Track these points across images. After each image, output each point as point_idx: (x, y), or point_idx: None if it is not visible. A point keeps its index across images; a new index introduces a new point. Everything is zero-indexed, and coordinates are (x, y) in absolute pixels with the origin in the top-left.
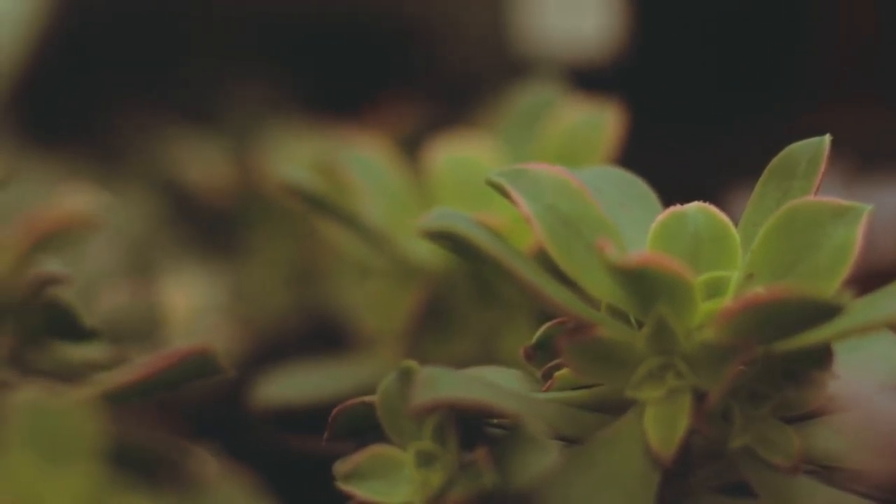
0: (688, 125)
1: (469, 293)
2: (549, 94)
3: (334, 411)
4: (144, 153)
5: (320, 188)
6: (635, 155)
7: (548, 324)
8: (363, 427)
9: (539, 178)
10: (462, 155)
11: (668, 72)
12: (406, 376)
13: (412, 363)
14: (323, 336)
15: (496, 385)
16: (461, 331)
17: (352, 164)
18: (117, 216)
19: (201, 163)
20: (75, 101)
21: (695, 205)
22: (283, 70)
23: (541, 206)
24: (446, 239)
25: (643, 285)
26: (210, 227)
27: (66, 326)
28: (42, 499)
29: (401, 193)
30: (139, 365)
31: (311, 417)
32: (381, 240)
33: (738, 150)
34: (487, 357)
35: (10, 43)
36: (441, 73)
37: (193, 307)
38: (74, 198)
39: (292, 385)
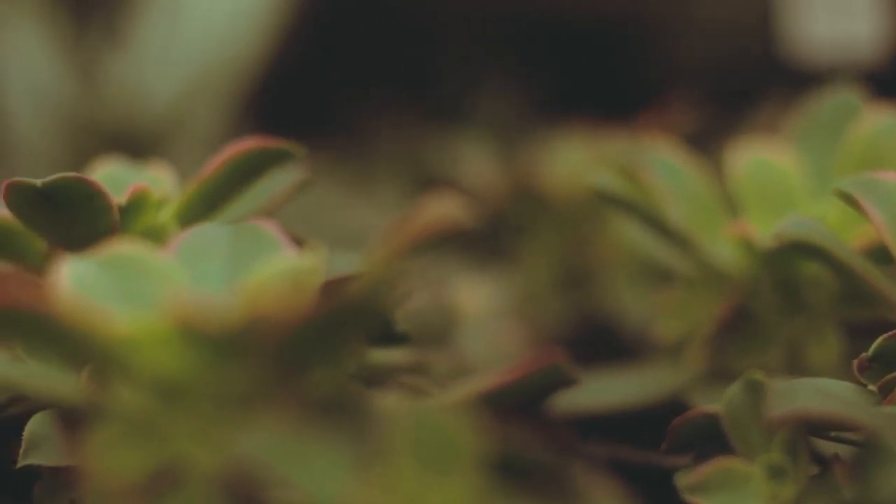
0: None
1: (774, 301)
2: (850, 100)
3: (674, 422)
4: (399, 153)
5: (628, 192)
6: None
7: (884, 336)
8: (703, 438)
9: (891, 189)
10: (764, 159)
11: None
12: (754, 388)
13: (759, 375)
14: (601, 340)
15: (844, 398)
16: (766, 339)
17: (654, 167)
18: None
19: (472, 164)
20: (320, 99)
21: None
22: (529, 69)
23: (892, 216)
24: (802, 247)
25: None
26: (482, 229)
27: (382, 331)
28: None
29: (703, 197)
30: (494, 374)
31: (613, 424)
32: (685, 244)
33: None
34: (792, 367)
35: (253, 38)
36: (701, 75)
37: (480, 310)
38: (438, 203)
39: (590, 391)
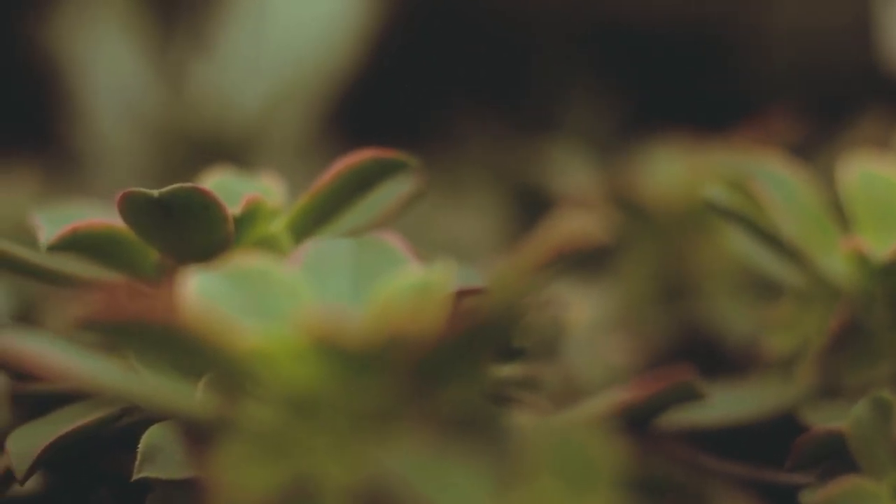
0: None
1: (887, 316)
2: None
3: (799, 440)
4: (489, 161)
5: (740, 204)
6: None
7: None
8: (827, 456)
9: None
10: (876, 172)
11: None
12: (881, 406)
13: (885, 393)
14: (703, 353)
15: None
16: (877, 355)
17: (764, 179)
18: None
19: (569, 174)
20: (409, 107)
21: None
22: (619, 78)
23: None
24: None
25: None
26: None
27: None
28: None
29: (813, 210)
30: (622, 390)
31: (719, 439)
32: (797, 257)
33: None
34: None
35: (341, 44)
36: (793, 84)
37: (584, 322)
38: (571, 219)
39: (698, 405)
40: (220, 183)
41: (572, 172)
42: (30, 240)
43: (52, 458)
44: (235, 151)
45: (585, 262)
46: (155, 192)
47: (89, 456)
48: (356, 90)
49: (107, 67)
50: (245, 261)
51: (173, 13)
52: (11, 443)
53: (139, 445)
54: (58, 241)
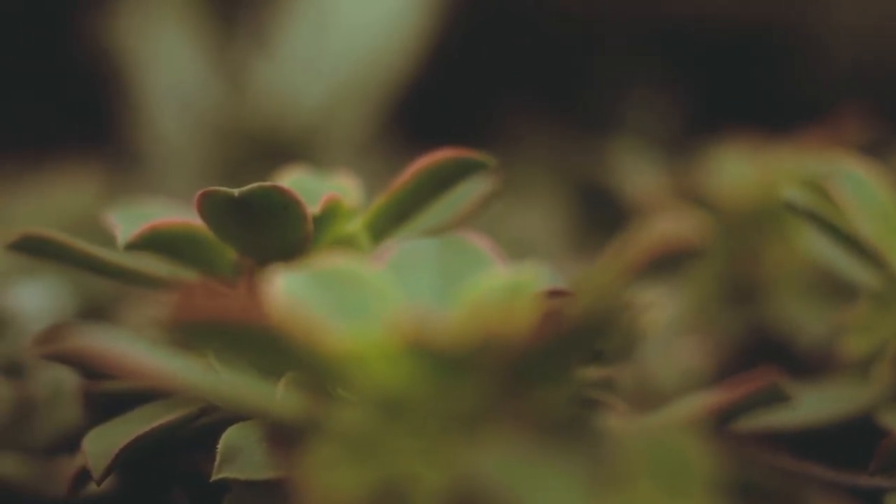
0: None
1: None
2: None
3: (884, 442)
4: (550, 160)
5: (818, 205)
6: None
7: None
8: None
9: None
10: None
11: None
12: None
13: None
14: (775, 355)
15: None
16: None
17: (841, 180)
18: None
19: (634, 174)
20: (468, 106)
21: None
22: (680, 78)
23: None
24: None
25: None
26: None
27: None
28: None
29: (891, 211)
30: (713, 393)
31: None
32: (876, 259)
33: None
34: None
35: (401, 43)
36: (855, 84)
37: (656, 323)
38: (667, 222)
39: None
40: (297, 182)
41: (639, 173)
42: (96, 237)
43: (129, 459)
44: (295, 150)
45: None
46: (235, 192)
47: (164, 455)
48: (416, 89)
49: (168, 66)
50: (331, 261)
51: (234, 11)
52: (88, 443)
53: (219, 446)
54: (135, 240)
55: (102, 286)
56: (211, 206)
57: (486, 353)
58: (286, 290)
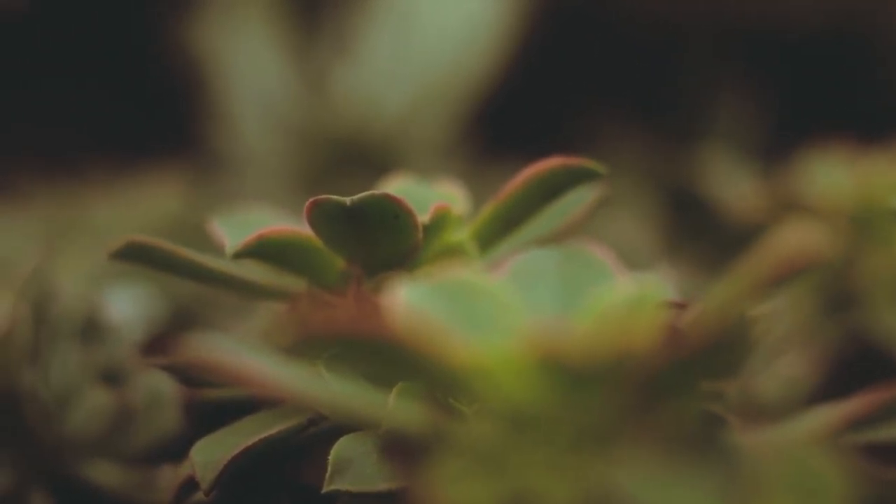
0: None
1: None
2: None
3: None
4: (635, 166)
5: None
6: None
7: None
8: None
9: None
10: None
11: None
12: None
13: None
14: (876, 364)
15: None
16: None
17: None
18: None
19: (728, 181)
20: (551, 111)
21: None
22: (767, 83)
23: None
24: None
25: None
26: (744, 248)
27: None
28: None
29: None
30: (841, 407)
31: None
32: None
33: None
34: None
35: (484, 48)
36: None
37: (769, 334)
38: (797, 234)
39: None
40: (403, 189)
41: (733, 180)
42: (183, 242)
43: (237, 469)
44: (377, 155)
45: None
46: (347, 200)
47: (269, 465)
48: (499, 93)
49: (250, 70)
50: (454, 272)
51: (316, 16)
52: (196, 452)
53: (330, 457)
54: (243, 249)
55: (189, 292)
56: (321, 215)
57: (618, 366)
58: (410, 301)
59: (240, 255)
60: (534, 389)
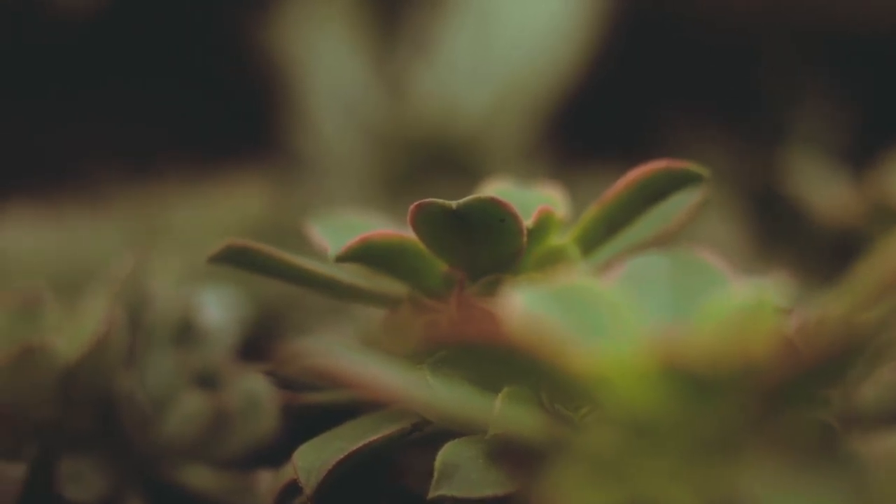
0: None
1: None
2: None
3: None
4: (721, 169)
5: None
6: None
7: None
8: None
9: None
10: None
11: None
12: None
13: None
14: None
15: None
16: None
17: None
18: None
19: (818, 183)
20: (631, 114)
21: None
22: (850, 85)
23: None
24: None
25: None
26: (835, 250)
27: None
28: None
29: None
30: None
31: None
32: None
33: None
34: None
35: (564, 51)
36: None
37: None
38: None
39: None
40: (504, 193)
41: (820, 182)
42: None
43: (341, 473)
44: (458, 157)
45: (839, 272)
46: (452, 204)
47: (371, 470)
48: (580, 95)
49: (330, 72)
50: (569, 277)
51: (396, 16)
52: (299, 457)
53: (436, 462)
54: (347, 252)
55: (273, 294)
56: (426, 218)
57: (741, 374)
58: (527, 306)
59: (343, 258)
60: (656, 396)
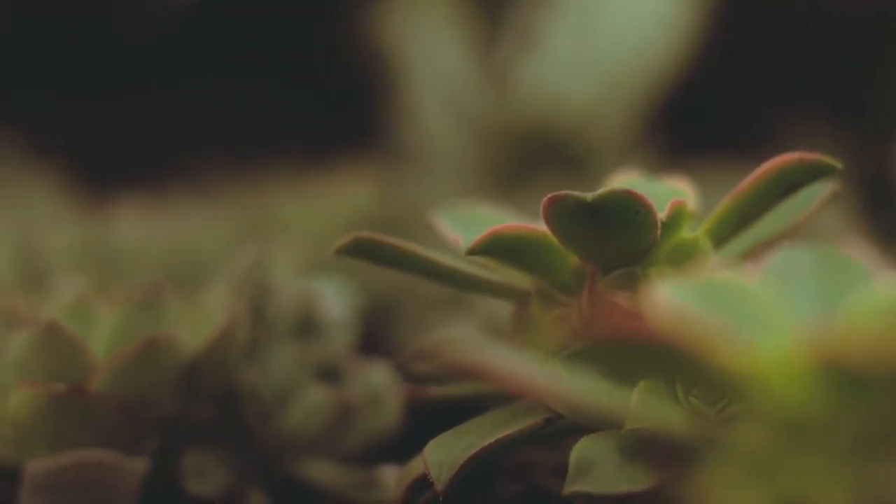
0: None
1: None
2: None
3: None
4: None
5: None
6: None
7: None
8: None
9: None
10: None
11: None
12: None
13: None
14: None
15: None
16: None
17: None
18: None
19: None
20: (735, 107)
21: None
22: None
23: None
24: None
25: None
26: None
27: None
28: None
29: None
30: None
31: None
32: None
33: None
34: None
35: (667, 43)
36: None
37: None
38: None
39: None
40: (633, 185)
41: None
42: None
43: (472, 467)
44: (562, 149)
45: None
46: (588, 196)
47: (499, 464)
48: (685, 87)
49: (434, 64)
50: (717, 271)
51: (499, 9)
52: (430, 452)
53: (571, 457)
54: (479, 245)
55: (383, 286)
56: (560, 211)
57: None
58: (677, 300)
59: (474, 251)
60: (812, 393)
